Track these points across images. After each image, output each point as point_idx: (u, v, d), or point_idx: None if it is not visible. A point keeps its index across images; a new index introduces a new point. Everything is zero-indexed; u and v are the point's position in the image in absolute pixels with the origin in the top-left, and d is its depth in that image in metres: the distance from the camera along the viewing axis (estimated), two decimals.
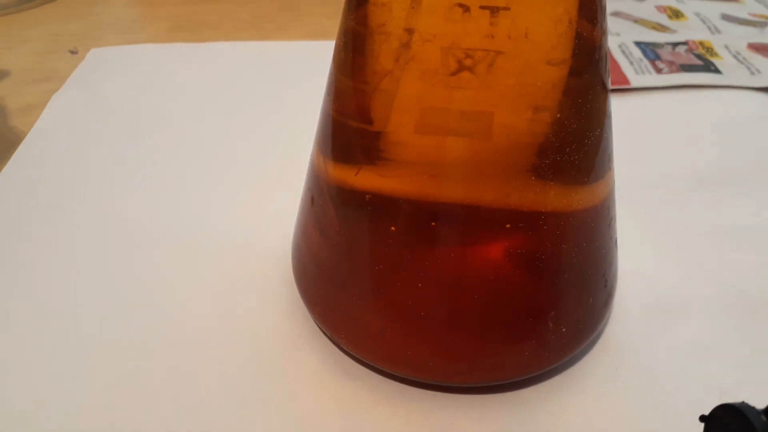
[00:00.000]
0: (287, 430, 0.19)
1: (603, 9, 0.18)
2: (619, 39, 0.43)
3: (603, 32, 0.18)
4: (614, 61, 0.40)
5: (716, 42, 0.43)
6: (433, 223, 0.18)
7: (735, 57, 0.41)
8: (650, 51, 0.42)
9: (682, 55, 0.41)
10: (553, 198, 0.18)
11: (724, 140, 0.34)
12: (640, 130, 0.35)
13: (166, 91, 0.37)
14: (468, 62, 0.16)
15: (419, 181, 0.18)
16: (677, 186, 0.30)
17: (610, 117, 0.19)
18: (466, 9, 0.16)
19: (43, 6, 0.50)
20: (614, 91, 0.38)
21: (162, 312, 0.23)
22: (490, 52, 0.16)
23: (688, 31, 0.45)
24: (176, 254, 0.26)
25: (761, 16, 0.48)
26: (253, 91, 0.38)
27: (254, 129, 0.34)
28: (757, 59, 0.41)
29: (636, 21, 0.46)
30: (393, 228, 0.18)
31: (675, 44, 0.43)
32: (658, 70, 0.40)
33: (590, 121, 0.18)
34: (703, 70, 0.40)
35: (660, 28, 0.45)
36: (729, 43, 0.43)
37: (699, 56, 0.41)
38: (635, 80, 0.39)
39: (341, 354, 0.22)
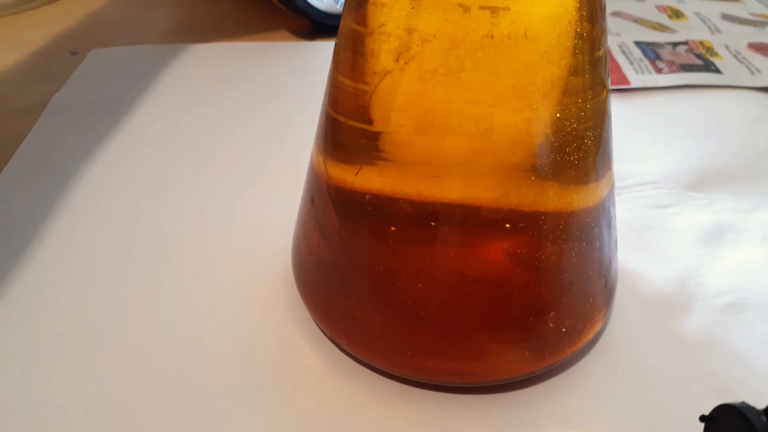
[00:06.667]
0: (287, 430, 0.19)
1: (603, 9, 0.18)
2: (619, 39, 0.43)
3: (603, 32, 0.18)
4: (614, 61, 0.40)
5: (716, 42, 0.43)
6: (433, 223, 0.18)
7: (735, 57, 0.41)
8: (650, 51, 0.42)
9: (683, 55, 0.41)
10: (553, 198, 0.18)
11: (724, 140, 0.34)
12: (640, 130, 0.35)
13: (166, 91, 0.37)
14: (468, 62, 0.16)
15: (419, 181, 0.18)
16: (677, 186, 0.30)
17: (610, 117, 0.19)
18: (466, 9, 0.16)
19: (43, 7, 0.49)
20: (614, 91, 0.38)
21: (162, 313, 0.23)
22: (490, 51, 0.16)
23: (689, 30, 0.45)
24: (176, 255, 0.26)
25: (761, 15, 0.48)
26: (252, 92, 0.38)
27: (254, 129, 0.34)
28: (757, 59, 0.41)
29: (636, 21, 0.46)
30: (393, 228, 0.18)
31: (675, 44, 0.43)
32: (658, 70, 0.40)
33: (590, 121, 0.18)
34: (704, 70, 0.40)
35: (660, 27, 0.45)
36: (729, 42, 0.43)
37: (699, 56, 0.41)
38: (635, 80, 0.39)
39: (341, 354, 0.22)
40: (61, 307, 0.23)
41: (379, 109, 0.17)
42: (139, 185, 0.30)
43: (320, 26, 0.45)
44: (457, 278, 0.18)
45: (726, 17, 0.47)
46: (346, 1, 0.18)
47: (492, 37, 0.16)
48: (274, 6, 0.44)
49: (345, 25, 0.18)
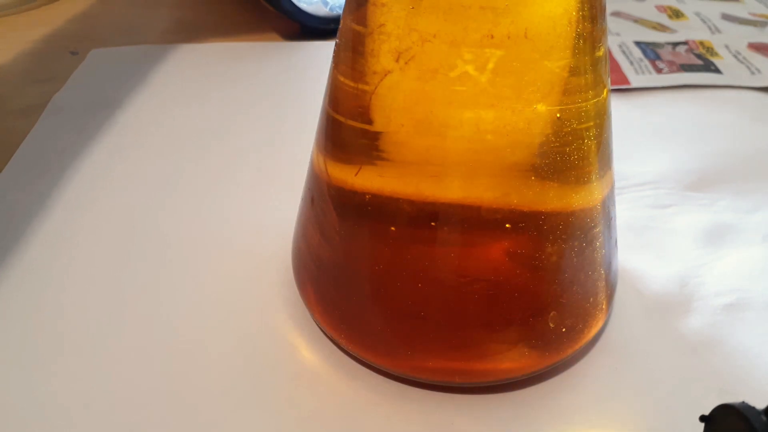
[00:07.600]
0: (287, 430, 0.19)
1: (603, 9, 0.18)
2: (619, 39, 0.43)
3: (603, 32, 0.18)
4: (614, 61, 0.40)
5: (716, 42, 0.43)
6: (433, 223, 0.18)
7: (735, 57, 0.41)
8: (650, 51, 0.42)
9: (683, 55, 0.41)
10: (553, 198, 0.18)
11: (724, 140, 0.34)
12: (640, 130, 0.35)
13: (166, 91, 0.37)
14: (468, 62, 0.16)
15: (419, 181, 0.18)
16: (677, 186, 0.30)
17: (610, 117, 0.19)
18: (466, 9, 0.16)
19: (43, 7, 0.50)
20: (614, 91, 0.38)
21: (162, 313, 0.23)
22: (490, 51, 0.16)
23: (689, 30, 0.45)
24: (176, 255, 0.26)
25: (761, 15, 0.48)
26: (253, 92, 0.38)
27: (254, 129, 0.34)
28: (757, 59, 0.41)
29: (636, 21, 0.46)
30: (393, 228, 0.18)
31: (675, 44, 0.43)
32: (658, 70, 0.40)
33: (590, 121, 0.18)
34: (704, 70, 0.40)
35: (660, 27, 0.45)
36: (729, 42, 0.43)
37: (699, 56, 0.41)
38: (635, 80, 0.39)
39: (341, 354, 0.22)
40: (61, 306, 0.23)
41: (379, 109, 0.17)
42: (139, 185, 0.30)
43: (308, 29, 0.44)
44: (457, 278, 0.18)
45: (726, 17, 0.47)
46: (346, 1, 0.18)
47: (492, 37, 0.16)
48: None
49: (345, 25, 0.18)
